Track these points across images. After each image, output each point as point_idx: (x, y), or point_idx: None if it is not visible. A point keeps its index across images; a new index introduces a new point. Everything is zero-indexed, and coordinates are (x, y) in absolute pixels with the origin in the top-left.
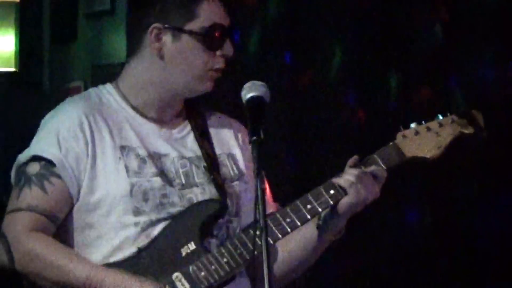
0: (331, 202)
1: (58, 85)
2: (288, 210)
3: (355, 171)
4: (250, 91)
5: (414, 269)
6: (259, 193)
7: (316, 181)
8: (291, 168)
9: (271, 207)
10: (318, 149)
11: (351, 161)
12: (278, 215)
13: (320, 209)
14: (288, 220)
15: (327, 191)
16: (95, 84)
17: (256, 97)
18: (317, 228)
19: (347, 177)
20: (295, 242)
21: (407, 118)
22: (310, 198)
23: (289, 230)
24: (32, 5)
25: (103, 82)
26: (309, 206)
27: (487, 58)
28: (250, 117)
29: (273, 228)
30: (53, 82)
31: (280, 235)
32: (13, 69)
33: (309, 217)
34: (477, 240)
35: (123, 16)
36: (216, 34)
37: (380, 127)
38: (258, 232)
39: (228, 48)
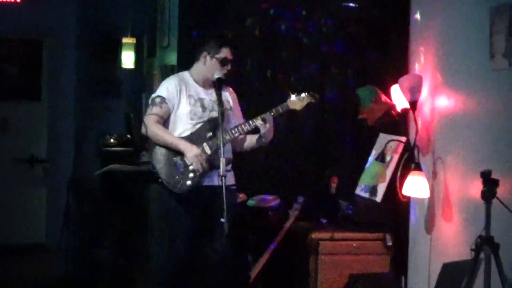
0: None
1: None
2: (243, 123)
3: (261, 123)
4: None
5: None
6: (220, 110)
7: None
8: None
9: (240, 118)
10: None
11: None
12: (240, 126)
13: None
14: (243, 127)
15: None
16: None
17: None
18: (258, 138)
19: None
20: (248, 141)
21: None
22: (251, 120)
23: (241, 133)
24: None
25: None
26: (250, 123)
27: None
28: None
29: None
30: None
31: (238, 135)
32: None
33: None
34: None
35: None
36: (226, 61)
37: None
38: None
39: (229, 67)
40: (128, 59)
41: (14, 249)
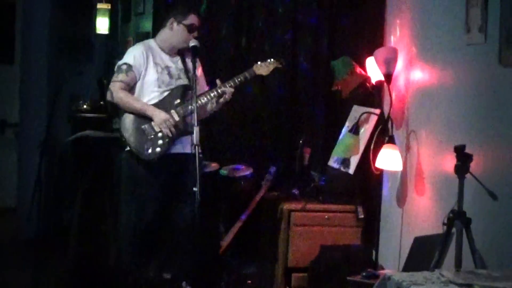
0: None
1: None
2: (207, 93)
3: (230, 89)
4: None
5: None
6: (193, 78)
7: None
8: None
9: (205, 86)
10: None
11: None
12: (208, 93)
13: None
14: (207, 97)
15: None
16: None
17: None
18: (217, 101)
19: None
20: (209, 105)
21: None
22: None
23: (209, 100)
24: None
25: None
26: (213, 93)
27: None
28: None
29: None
30: None
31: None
32: None
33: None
34: None
35: None
36: (193, 28)
37: None
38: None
39: (196, 34)
40: (102, 24)
41: None
